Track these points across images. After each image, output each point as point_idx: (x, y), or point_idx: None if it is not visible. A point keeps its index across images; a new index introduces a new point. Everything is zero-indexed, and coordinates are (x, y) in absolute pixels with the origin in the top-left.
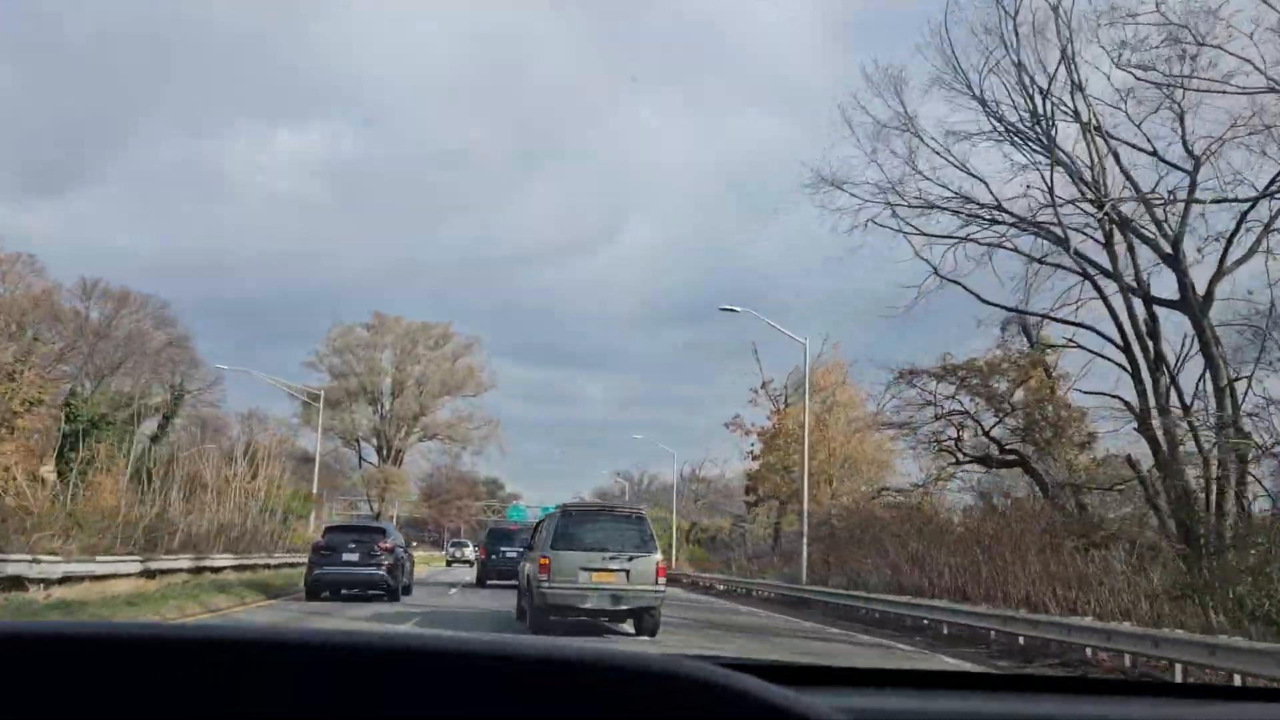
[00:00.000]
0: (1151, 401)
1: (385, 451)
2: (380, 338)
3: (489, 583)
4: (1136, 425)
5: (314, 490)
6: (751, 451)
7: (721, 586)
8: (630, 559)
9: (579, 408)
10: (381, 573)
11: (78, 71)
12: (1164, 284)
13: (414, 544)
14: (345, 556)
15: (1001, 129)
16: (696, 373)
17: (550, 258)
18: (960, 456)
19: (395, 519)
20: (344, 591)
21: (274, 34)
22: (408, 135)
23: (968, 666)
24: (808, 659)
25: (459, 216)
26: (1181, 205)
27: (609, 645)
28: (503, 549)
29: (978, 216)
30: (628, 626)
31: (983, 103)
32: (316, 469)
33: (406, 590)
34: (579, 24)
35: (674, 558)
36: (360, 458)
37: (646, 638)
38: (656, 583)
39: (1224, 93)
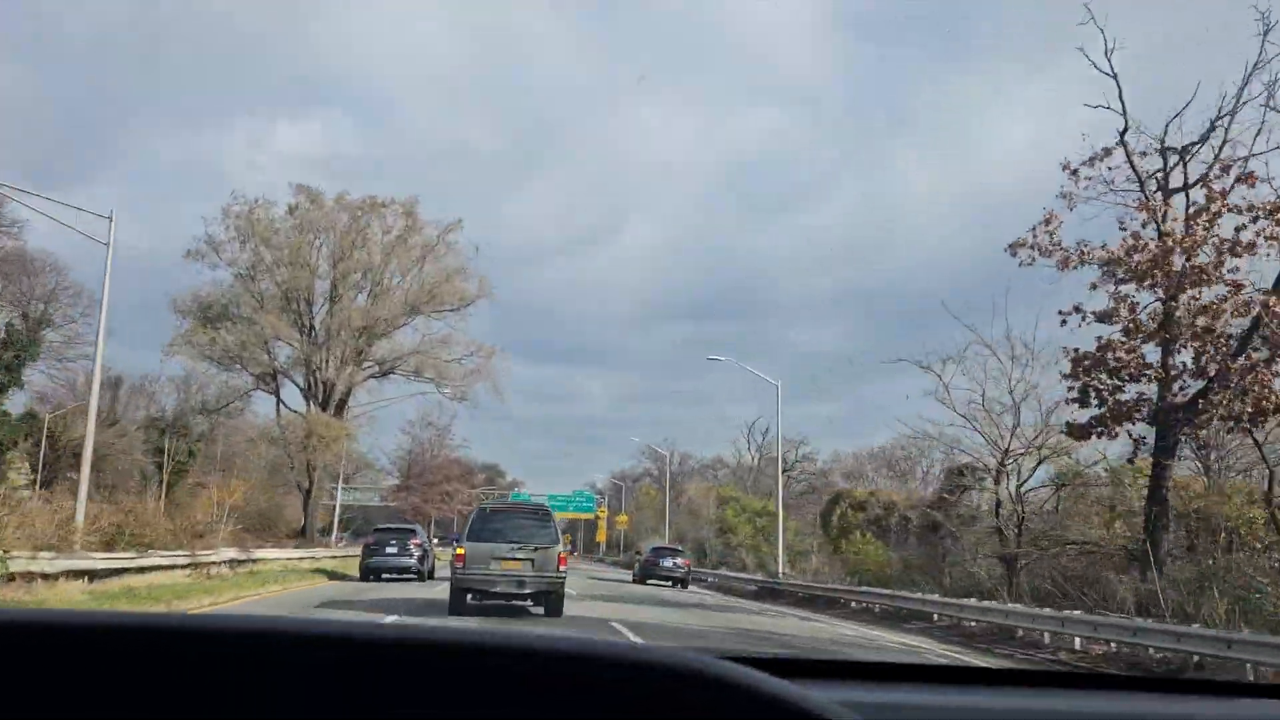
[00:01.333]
0: None
1: (318, 392)
2: (311, 220)
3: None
4: None
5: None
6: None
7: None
8: (535, 550)
9: (579, 404)
10: (413, 561)
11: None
12: None
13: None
14: (388, 550)
15: None
16: (697, 369)
17: (550, 256)
18: None
19: (349, 512)
20: (384, 576)
21: (273, 33)
22: (407, 133)
23: (976, 661)
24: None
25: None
26: None
27: (613, 639)
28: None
29: None
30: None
31: None
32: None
33: (431, 574)
34: (579, 22)
35: (784, 562)
36: (280, 401)
37: (555, 618)
38: (558, 570)
39: None
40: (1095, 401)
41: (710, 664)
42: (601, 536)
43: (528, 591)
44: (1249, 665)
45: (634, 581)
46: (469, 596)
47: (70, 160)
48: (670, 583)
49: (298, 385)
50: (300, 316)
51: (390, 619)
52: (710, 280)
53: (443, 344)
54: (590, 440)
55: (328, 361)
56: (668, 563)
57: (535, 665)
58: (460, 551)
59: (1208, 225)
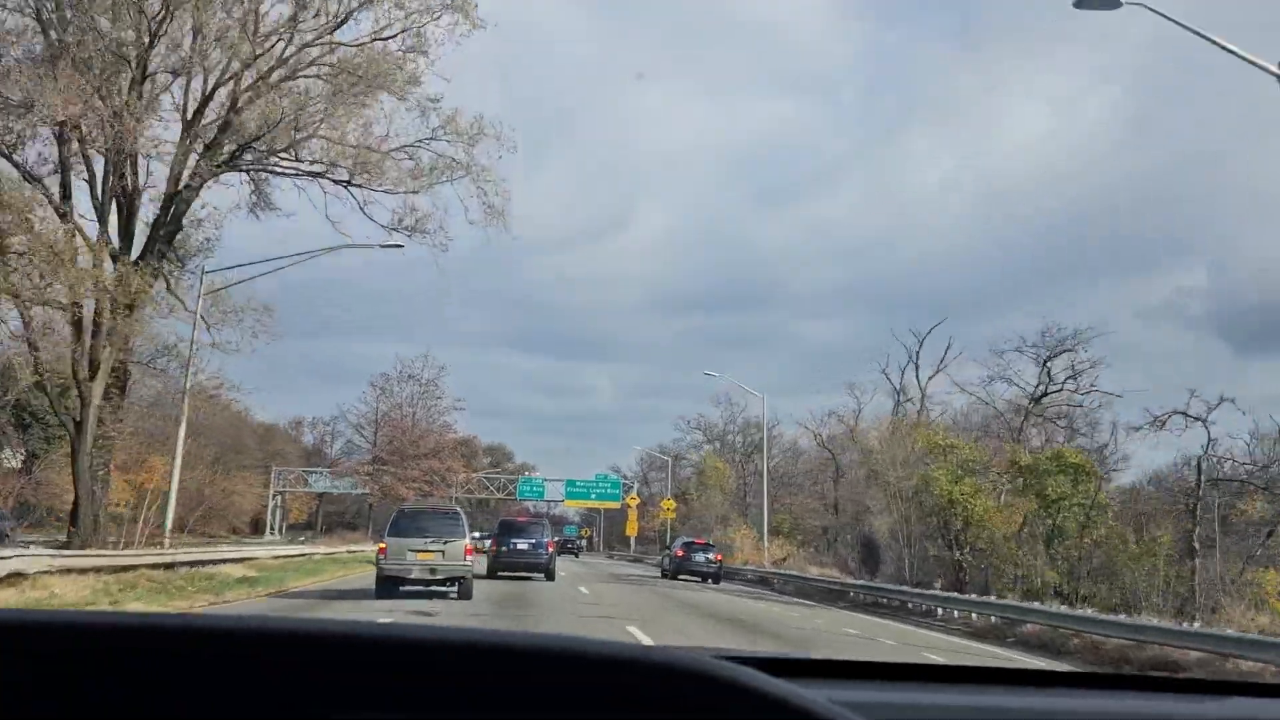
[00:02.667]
0: None
1: (115, 191)
2: None
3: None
4: None
5: None
6: None
7: None
8: (445, 542)
9: (588, 398)
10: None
11: None
12: None
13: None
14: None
15: None
16: (706, 360)
17: (558, 246)
18: None
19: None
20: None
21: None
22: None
23: (970, 661)
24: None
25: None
26: None
27: (606, 639)
28: (514, 541)
29: None
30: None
31: None
32: None
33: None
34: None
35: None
36: (61, 195)
37: (467, 600)
38: (464, 559)
39: None
40: None
41: (709, 664)
42: (632, 529)
43: (440, 577)
44: None
45: (663, 577)
46: (398, 586)
47: None
48: (700, 579)
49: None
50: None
51: (387, 619)
52: (721, 270)
53: (367, 133)
54: (598, 436)
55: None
56: (699, 557)
57: (537, 665)
58: (382, 546)
59: None
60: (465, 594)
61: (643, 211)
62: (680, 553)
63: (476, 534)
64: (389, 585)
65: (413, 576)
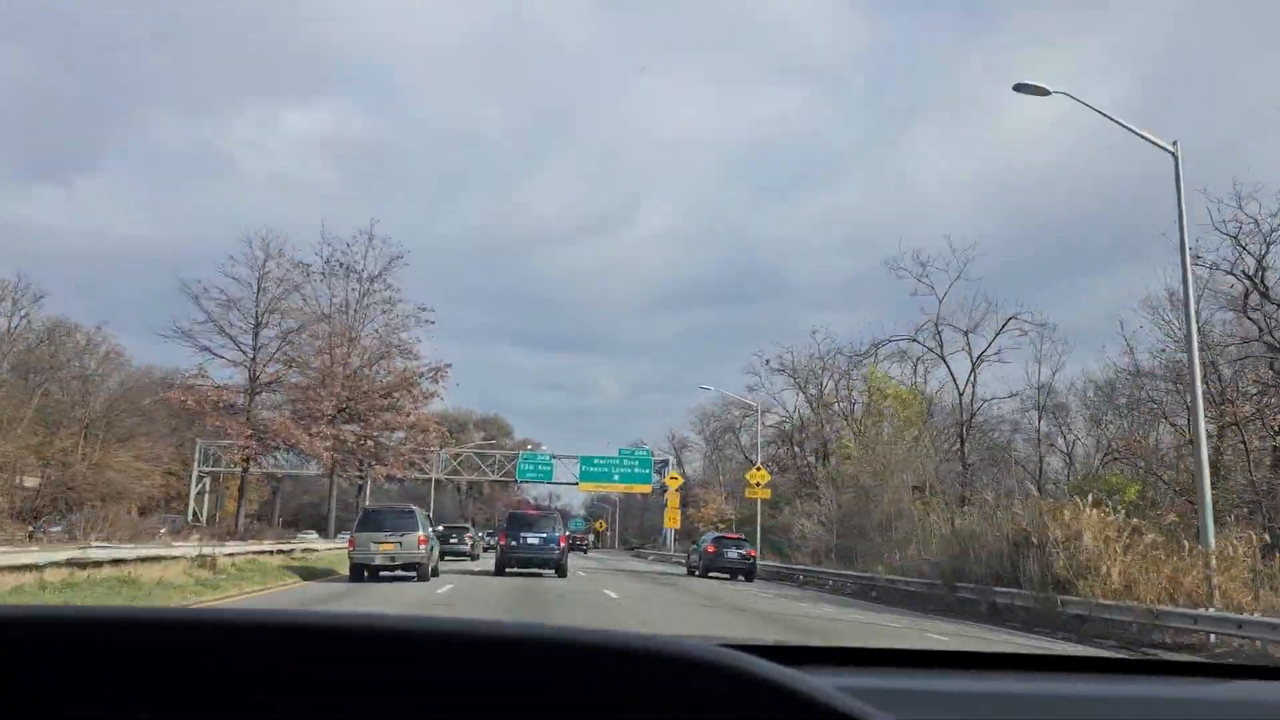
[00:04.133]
0: None
1: None
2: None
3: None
4: None
5: None
6: None
7: None
8: (402, 535)
9: (590, 392)
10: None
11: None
12: None
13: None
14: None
15: None
16: (709, 354)
17: (563, 240)
18: None
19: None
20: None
21: (279, 9)
22: (417, 113)
23: (972, 646)
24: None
25: (471, 196)
26: None
27: (612, 628)
28: (523, 535)
29: None
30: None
31: None
32: None
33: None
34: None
35: None
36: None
37: (424, 581)
38: (418, 548)
39: None
40: None
41: (716, 652)
42: (673, 520)
43: (399, 564)
44: None
45: (690, 575)
46: (364, 572)
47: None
48: (730, 574)
49: None
50: None
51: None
52: (728, 262)
53: None
54: (598, 429)
55: None
56: (732, 553)
57: (545, 656)
58: (351, 539)
59: None
60: (423, 577)
61: (647, 205)
62: (711, 548)
63: (440, 527)
64: (359, 570)
65: (376, 564)
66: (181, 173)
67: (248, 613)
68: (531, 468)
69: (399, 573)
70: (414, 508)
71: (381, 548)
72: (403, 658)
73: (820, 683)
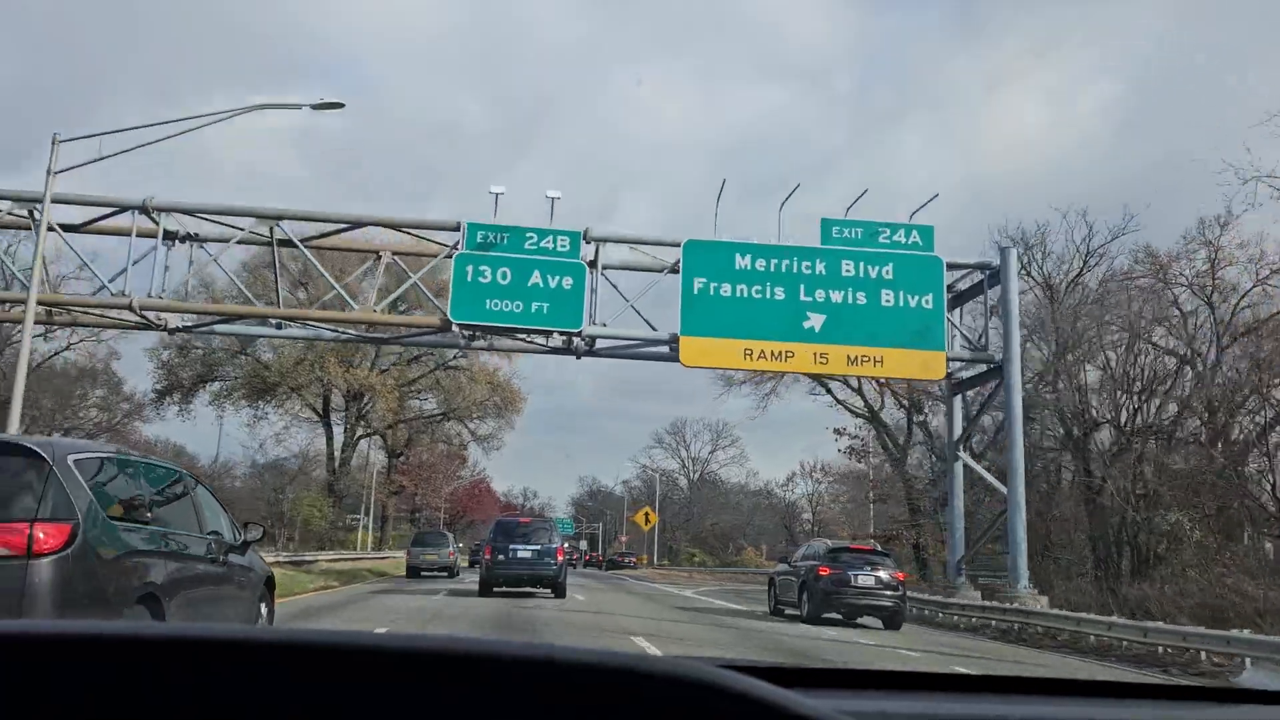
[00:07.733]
0: None
1: None
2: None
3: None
4: None
5: None
6: None
7: None
8: (439, 549)
9: (571, 394)
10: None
11: None
12: None
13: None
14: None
15: None
16: None
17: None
18: None
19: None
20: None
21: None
22: (393, 108)
23: (972, 670)
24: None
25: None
26: None
27: (608, 648)
28: (513, 547)
29: None
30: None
31: None
32: None
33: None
34: None
35: None
36: None
37: (454, 578)
38: (449, 559)
39: None
40: None
41: (714, 673)
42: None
43: (439, 566)
44: None
45: (777, 616)
46: (419, 571)
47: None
48: (852, 616)
49: None
50: None
51: (382, 629)
52: None
53: None
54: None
55: None
56: (865, 579)
57: (539, 674)
58: (408, 551)
59: None
60: (453, 573)
61: (625, 203)
62: (825, 570)
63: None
64: (414, 570)
65: (424, 566)
66: (148, 162)
67: (236, 629)
68: None
69: (438, 573)
70: (448, 532)
71: (426, 556)
72: (402, 675)
73: (821, 705)
